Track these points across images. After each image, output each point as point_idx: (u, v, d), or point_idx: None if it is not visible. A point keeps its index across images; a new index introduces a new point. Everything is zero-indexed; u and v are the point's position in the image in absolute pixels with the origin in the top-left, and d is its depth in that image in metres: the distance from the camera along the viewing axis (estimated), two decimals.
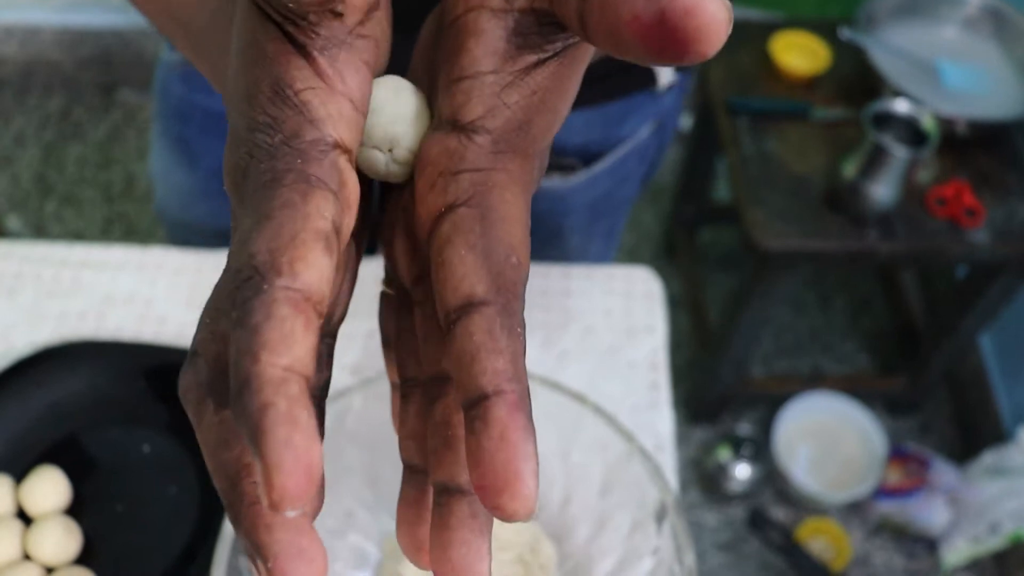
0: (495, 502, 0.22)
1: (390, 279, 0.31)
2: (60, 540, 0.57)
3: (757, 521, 1.56)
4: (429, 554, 0.25)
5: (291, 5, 0.25)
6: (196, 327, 0.25)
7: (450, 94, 0.27)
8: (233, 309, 0.22)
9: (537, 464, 0.22)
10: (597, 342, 0.70)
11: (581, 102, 0.35)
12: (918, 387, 1.67)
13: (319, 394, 0.27)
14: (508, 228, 0.26)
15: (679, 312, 1.78)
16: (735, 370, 1.58)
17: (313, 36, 0.26)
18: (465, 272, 0.25)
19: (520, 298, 0.25)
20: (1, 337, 0.69)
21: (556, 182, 0.71)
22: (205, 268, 0.73)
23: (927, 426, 1.73)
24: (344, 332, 0.33)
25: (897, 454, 1.60)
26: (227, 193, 0.27)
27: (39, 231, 1.90)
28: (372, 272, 0.41)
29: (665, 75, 0.67)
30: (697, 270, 1.82)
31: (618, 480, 0.53)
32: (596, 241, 0.80)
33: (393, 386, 0.33)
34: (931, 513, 1.52)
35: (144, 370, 0.65)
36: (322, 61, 0.26)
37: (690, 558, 0.49)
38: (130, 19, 2.06)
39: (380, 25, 0.28)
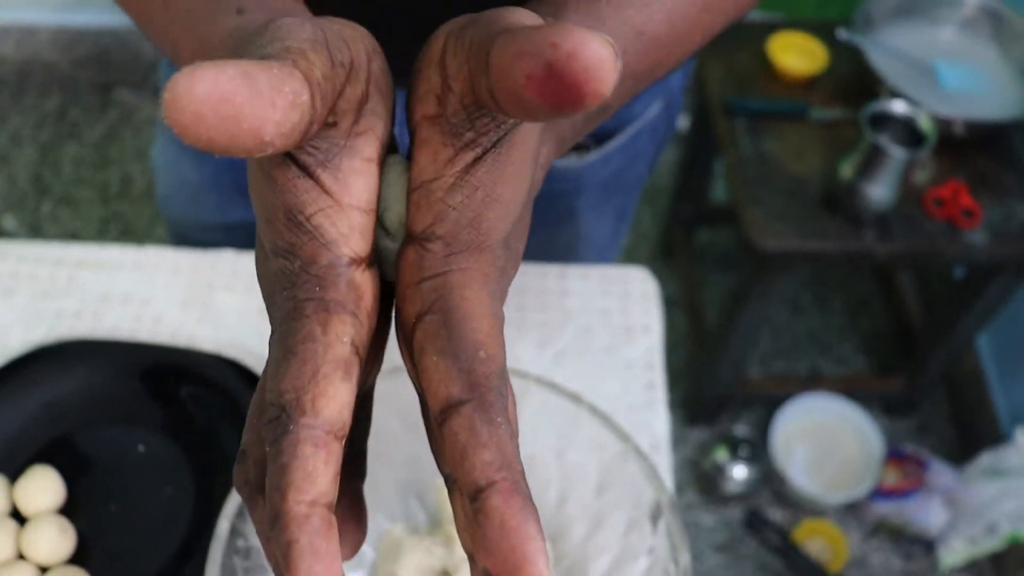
0: None
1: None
2: (54, 540, 0.56)
3: (754, 522, 1.56)
4: None
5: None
6: (244, 426, 0.29)
7: (408, 207, 0.29)
8: (266, 444, 0.26)
9: (543, 540, 0.24)
10: (593, 342, 0.70)
11: None
12: (915, 388, 1.67)
13: (359, 446, 0.31)
14: (472, 325, 0.27)
15: (677, 313, 1.78)
16: (732, 371, 1.58)
17: (313, 152, 0.28)
18: (440, 377, 0.27)
19: (495, 389, 0.27)
20: None
21: (571, 161, 0.72)
22: (201, 268, 0.73)
23: (924, 427, 1.73)
24: None
25: (894, 455, 1.60)
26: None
27: (35, 231, 1.90)
28: None
29: None
30: (695, 270, 1.82)
31: (614, 480, 0.53)
32: (607, 221, 0.81)
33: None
34: (928, 514, 1.52)
35: (139, 370, 0.65)
36: (326, 178, 0.28)
37: (685, 558, 0.49)
38: (127, 19, 2.05)
39: (376, 110, 0.29)
